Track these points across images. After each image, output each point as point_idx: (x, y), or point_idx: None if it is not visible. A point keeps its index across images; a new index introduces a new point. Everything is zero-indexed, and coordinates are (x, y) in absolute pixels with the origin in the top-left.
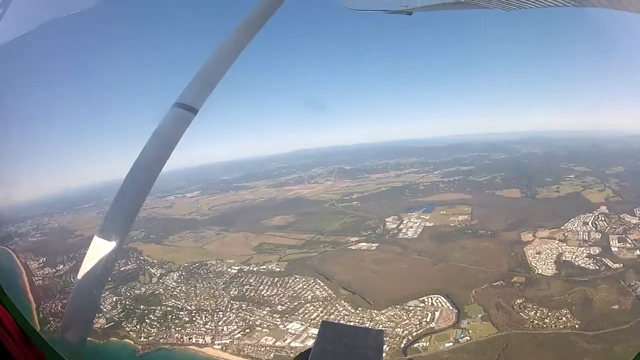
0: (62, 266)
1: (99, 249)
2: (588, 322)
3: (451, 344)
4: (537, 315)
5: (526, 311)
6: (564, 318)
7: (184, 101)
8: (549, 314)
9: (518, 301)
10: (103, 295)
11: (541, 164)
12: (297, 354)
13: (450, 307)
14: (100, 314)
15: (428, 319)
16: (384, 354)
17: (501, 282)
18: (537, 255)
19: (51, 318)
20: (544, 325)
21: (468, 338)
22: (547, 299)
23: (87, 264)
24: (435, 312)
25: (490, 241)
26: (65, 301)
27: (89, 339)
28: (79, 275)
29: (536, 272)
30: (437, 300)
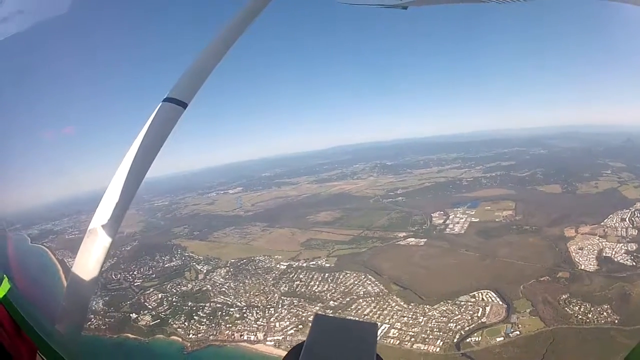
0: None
1: (91, 244)
2: (626, 317)
3: (502, 338)
4: (581, 310)
5: (571, 306)
6: (604, 313)
7: (174, 96)
8: (592, 309)
9: (563, 296)
10: (148, 292)
11: (579, 160)
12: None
13: (500, 302)
14: (145, 311)
15: (479, 314)
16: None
17: (547, 277)
18: (580, 251)
19: (91, 315)
20: (587, 320)
21: (518, 332)
22: (589, 294)
23: (81, 258)
24: (486, 307)
25: (535, 237)
26: (107, 298)
27: (133, 336)
28: (73, 269)
29: (579, 267)
30: (487, 296)
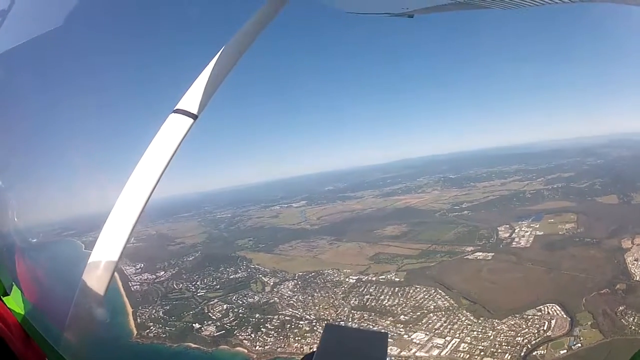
0: (162, 272)
1: (102, 252)
2: None
3: (565, 351)
4: (635, 321)
5: (626, 317)
6: None
7: (184, 107)
8: None
9: (620, 308)
10: (212, 302)
11: (632, 168)
12: (302, 357)
13: (564, 316)
14: (209, 322)
15: (545, 328)
16: (387, 357)
17: (607, 289)
18: (636, 262)
19: (151, 323)
20: (639, 331)
21: (579, 345)
22: None
23: (92, 265)
24: (551, 321)
25: (595, 249)
26: (167, 307)
27: (195, 346)
28: (83, 276)
29: (634, 279)
30: (553, 309)
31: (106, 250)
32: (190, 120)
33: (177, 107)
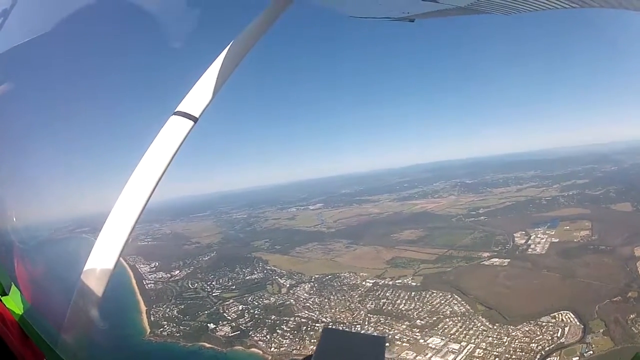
0: (177, 272)
1: (101, 253)
2: None
3: (577, 358)
4: None
5: (637, 325)
6: None
7: (185, 109)
8: None
9: (631, 316)
10: (227, 303)
11: None
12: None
13: (578, 323)
14: (225, 322)
15: (559, 335)
16: None
17: (619, 297)
18: None
19: (165, 322)
20: None
21: (591, 352)
22: None
23: (90, 266)
24: (565, 328)
25: (609, 257)
26: (182, 306)
27: (210, 346)
28: (82, 277)
29: None
30: (567, 316)
31: (105, 251)
32: (191, 123)
33: (178, 109)
